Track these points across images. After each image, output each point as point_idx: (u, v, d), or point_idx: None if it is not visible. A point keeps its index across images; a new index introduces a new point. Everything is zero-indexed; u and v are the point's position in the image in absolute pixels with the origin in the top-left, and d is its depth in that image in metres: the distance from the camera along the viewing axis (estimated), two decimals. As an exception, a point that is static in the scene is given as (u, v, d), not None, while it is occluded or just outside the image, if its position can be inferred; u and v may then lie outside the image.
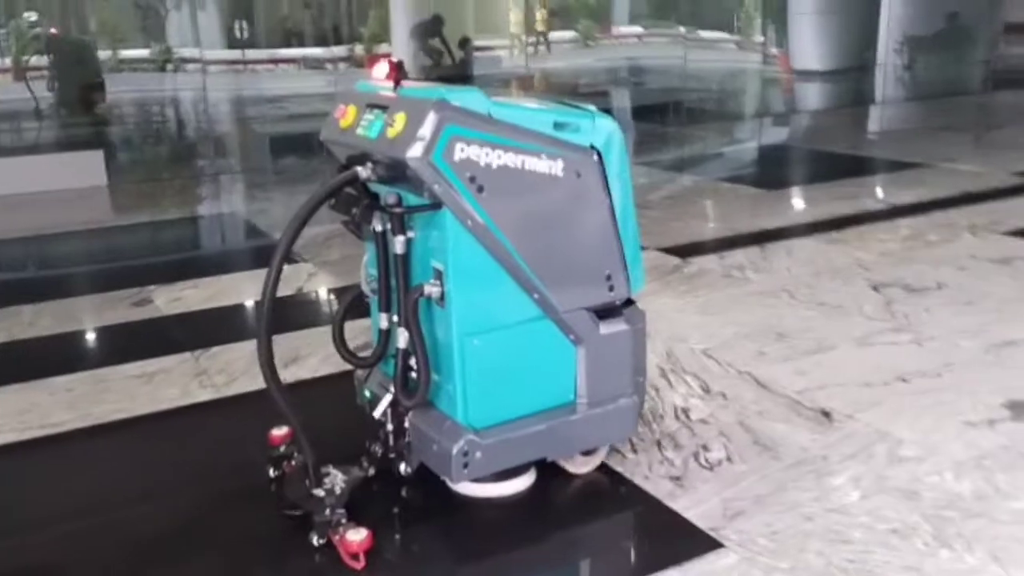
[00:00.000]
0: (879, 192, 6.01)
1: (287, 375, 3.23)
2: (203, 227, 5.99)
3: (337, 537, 2.10)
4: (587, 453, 2.46)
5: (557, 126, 2.18)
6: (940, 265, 4.27)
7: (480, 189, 2.07)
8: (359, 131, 2.19)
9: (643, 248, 2.46)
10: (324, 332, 3.60)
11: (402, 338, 2.21)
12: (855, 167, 7.11)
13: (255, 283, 4.31)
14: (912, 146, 7.88)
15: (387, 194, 2.11)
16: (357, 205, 2.18)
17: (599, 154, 2.24)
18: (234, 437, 2.78)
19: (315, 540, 2.14)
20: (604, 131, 2.25)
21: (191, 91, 10.80)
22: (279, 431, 2.43)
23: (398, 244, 2.13)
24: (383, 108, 2.14)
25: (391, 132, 2.06)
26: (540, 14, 16.65)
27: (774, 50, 17.56)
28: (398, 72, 2.20)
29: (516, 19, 15.76)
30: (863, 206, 5.64)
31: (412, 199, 2.12)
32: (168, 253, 5.30)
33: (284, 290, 4.23)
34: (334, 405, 2.75)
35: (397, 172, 2.09)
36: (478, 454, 2.18)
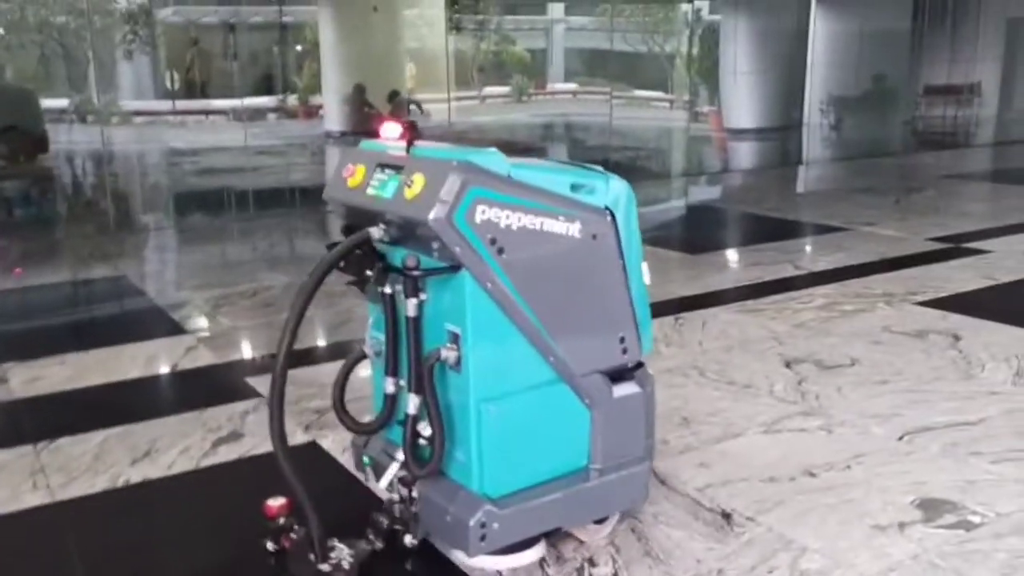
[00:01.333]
0: (799, 258, 5.90)
1: (133, 473, 2.89)
2: (83, 292, 5.56)
3: None
4: (599, 520, 2.40)
5: (574, 188, 2.17)
6: (855, 339, 4.12)
7: (500, 251, 2.04)
8: (370, 191, 2.15)
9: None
10: (190, 420, 3.30)
11: (412, 403, 2.13)
12: (778, 230, 7.03)
13: (128, 358, 3.98)
14: (834, 209, 7.86)
15: (407, 256, 2.04)
16: (367, 265, 2.13)
17: (613, 215, 2.22)
18: (46, 554, 2.42)
19: None
20: (617, 192, 2.24)
21: (96, 144, 10.38)
22: (275, 502, 2.24)
23: (410, 307, 2.07)
24: (397, 168, 2.11)
25: (409, 193, 2.02)
26: (473, 71, 16.66)
27: (706, 109, 17.85)
28: (411, 133, 2.19)
29: (447, 75, 15.72)
30: (782, 272, 5.51)
31: (428, 261, 2.06)
32: (36, 323, 4.88)
33: (154, 367, 3.99)
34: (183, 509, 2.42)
35: (410, 232, 2.05)
36: (495, 525, 2.10)
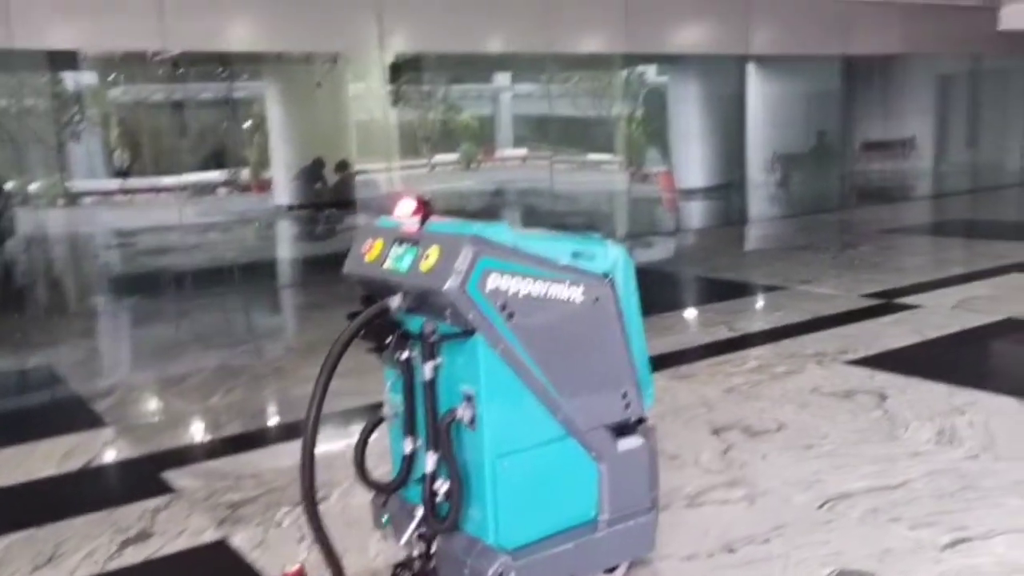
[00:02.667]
0: (736, 319, 5.93)
1: (28, 584, 2.77)
2: (2, 384, 5.37)
3: None
4: (609, 570, 2.50)
5: (575, 255, 2.34)
6: (783, 402, 4.12)
7: (510, 316, 2.20)
8: (388, 264, 2.31)
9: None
10: (99, 520, 3.17)
11: (430, 461, 2.26)
12: (716, 291, 7.10)
13: (41, 456, 3.83)
14: (773, 267, 7.97)
15: (424, 323, 2.19)
16: (386, 333, 2.26)
17: (612, 280, 2.40)
18: None
19: None
20: (615, 258, 2.42)
21: (35, 227, 10.24)
22: (292, 567, 2.40)
23: (427, 370, 2.20)
24: (413, 242, 2.27)
25: (424, 265, 2.18)
26: (419, 140, 16.76)
27: (655, 170, 18.16)
28: (425, 209, 2.34)
29: (395, 145, 15.84)
30: (718, 335, 5.54)
31: (443, 327, 2.20)
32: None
33: (68, 464, 3.85)
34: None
35: (425, 302, 2.21)
36: (512, 575, 2.20)
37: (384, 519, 2.50)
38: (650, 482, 2.51)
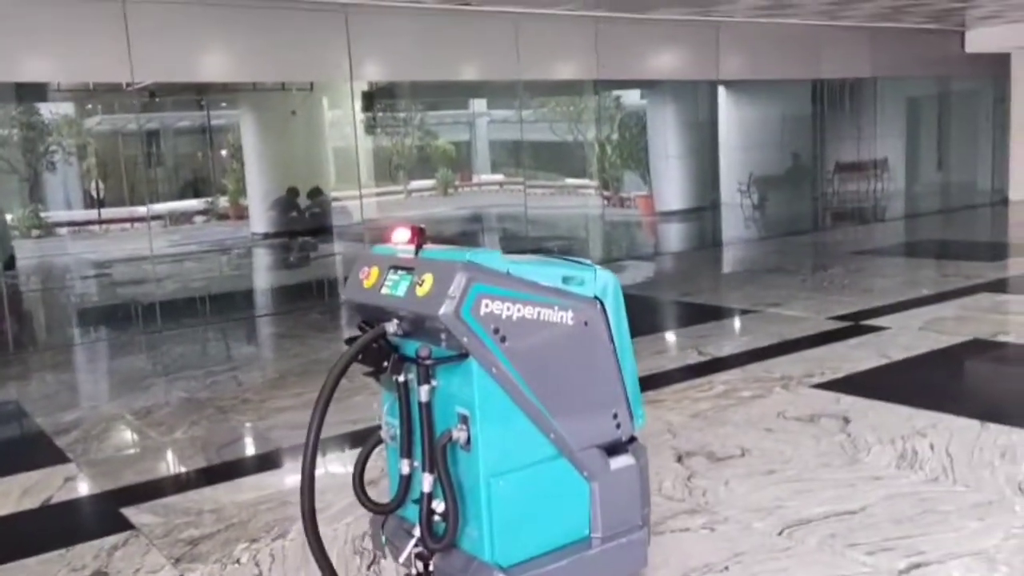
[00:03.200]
0: (705, 343, 5.96)
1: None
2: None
3: None
4: None
5: (565, 280, 2.42)
6: (748, 427, 4.13)
7: (503, 339, 2.27)
8: (384, 290, 2.38)
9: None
10: (53, 560, 3.12)
11: (426, 482, 2.32)
12: (686, 315, 7.14)
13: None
14: (743, 291, 8.03)
15: (420, 347, 2.27)
16: (383, 357, 2.34)
17: (602, 304, 2.47)
18: None
19: None
20: (604, 282, 2.50)
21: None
22: None
23: (423, 393, 2.28)
24: (408, 269, 2.35)
25: (420, 291, 2.26)
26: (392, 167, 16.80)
27: (633, 194, 18.28)
28: (420, 237, 2.42)
29: (370, 172, 15.86)
30: (686, 359, 5.56)
31: (438, 350, 2.28)
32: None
33: (26, 502, 3.79)
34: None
35: (421, 326, 2.28)
36: None
37: (383, 539, 2.57)
38: (642, 500, 2.57)
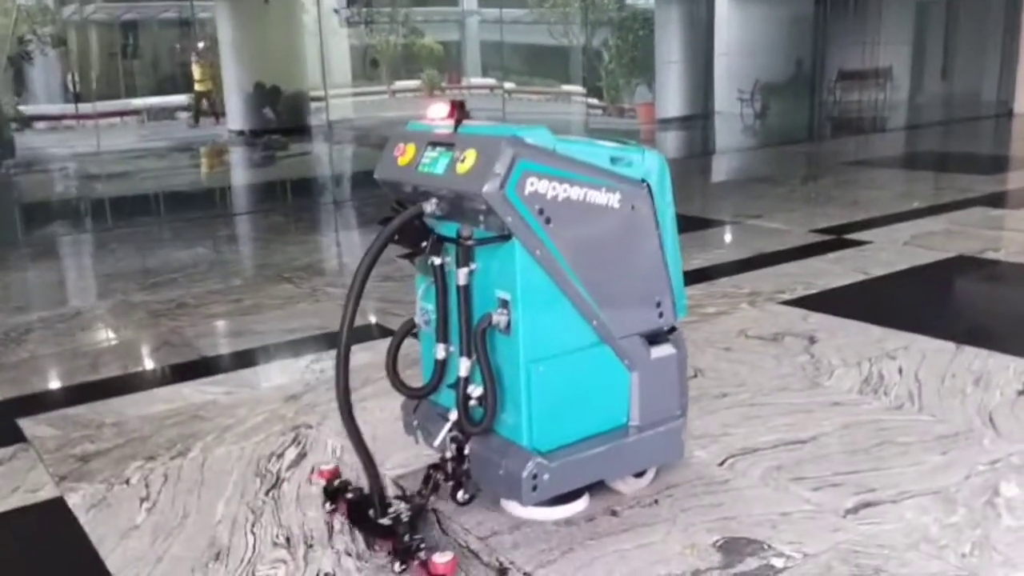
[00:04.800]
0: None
1: None
2: None
3: (417, 562, 2.14)
4: (638, 474, 2.55)
5: (613, 161, 2.30)
6: (707, 346, 3.83)
7: (548, 220, 2.17)
8: (422, 168, 2.26)
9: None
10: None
11: (463, 367, 2.27)
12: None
13: None
14: (727, 201, 7.66)
15: (461, 227, 2.19)
16: (421, 238, 2.25)
17: (649, 187, 2.36)
18: None
19: (396, 566, 2.16)
20: (653, 166, 2.38)
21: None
22: (327, 467, 2.54)
23: (461, 276, 2.20)
24: (447, 145, 2.22)
25: (461, 168, 2.14)
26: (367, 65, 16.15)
27: (637, 102, 17.70)
28: (460, 112, 2.29)
29: (351, 69, 15.26)
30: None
31: (480, 232, 2.20)
32: None
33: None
34: None
35: (460, 206, 2.19)
36: (546, 476, 2.25)
37: (415, 424, 2.53)
38: (680, 390, 2.52)
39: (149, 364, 3.96)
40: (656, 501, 2.53)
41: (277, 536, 2.41)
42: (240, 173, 11.80)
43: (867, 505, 2.47)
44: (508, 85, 15.24)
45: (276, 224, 7.47)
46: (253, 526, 2.47)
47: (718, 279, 4.95)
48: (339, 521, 2.46)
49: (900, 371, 3.45)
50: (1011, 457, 2.70)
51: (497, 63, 17.83)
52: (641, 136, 15.44)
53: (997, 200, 6.93)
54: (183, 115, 17.31)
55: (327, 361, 3.80)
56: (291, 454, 2.91)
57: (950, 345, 3.70)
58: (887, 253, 5.36)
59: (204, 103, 13.46)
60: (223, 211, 8.54)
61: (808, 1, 14.30)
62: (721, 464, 2.75)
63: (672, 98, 16.50)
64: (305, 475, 2.75)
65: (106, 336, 4.32)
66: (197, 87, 13.52)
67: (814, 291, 4.62)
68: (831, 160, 10.34)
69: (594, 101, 16.93)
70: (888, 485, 2.57)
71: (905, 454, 2.76)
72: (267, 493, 2.66)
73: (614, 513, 2.47)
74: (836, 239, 5.82)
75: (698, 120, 15.20)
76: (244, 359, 3.90)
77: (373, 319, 4.38)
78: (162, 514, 2.57)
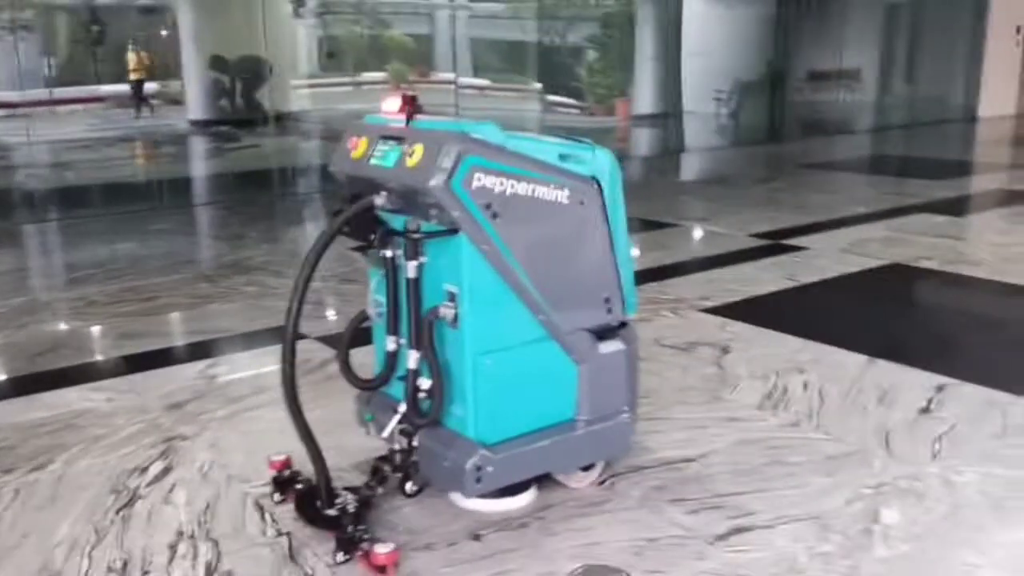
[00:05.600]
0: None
1: None
2: None
3: (360, 553, 2.16)
4: (586, 468, 2.58)
5: (562, 157, 2.32)
6: (618, 355, 3.72)
7: (495, 216, 2.19)
8: (373, 161, 2.30)
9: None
10: None
11: (412, 359, 2.30)
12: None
13: None
14: (676, 201, 7.57)
15: (408, 221, 2.22)
16: (371, 231, 2.29)
17: (599, 184, 2.38)
18: None
19: (339, 557, 2.18)
20: (603, 163, 2.40)
21: None
22: (278, 457, 2.54)
23: (411, 268, 2.24)
24: (398, 140, 2.26)
25: (410, 162, 2.17)
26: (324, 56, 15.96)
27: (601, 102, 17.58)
28: (411, 106, 2.32)
29: (315, 60, 15.04)
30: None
31: (427, 225, 2.22)
32: None
33: None
34: None
35: (411, 199, 2.21)
36: (490, 468, 2.28)
37: (367, 416, 2.54)
38: (629, 385, 2.54)
39: (40, 366, 3.80)
40: (525, 524, 2.42)
41: (114, 561, 2.28)
42: (188, 165, 11.57)
43: (740, 531, 2.37)
44: (467, 80, 15.13)
45: (216, 218, 7.31)
46: (93, 549, 2.33)
47: (646, 284, 4.83)
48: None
49: (805, 386, 3.36)
50: (898, 481, 2.61)
51: (476, 60, 17.70)
52: (617, 133, 15.39)
53: (942, 206, 6.87)
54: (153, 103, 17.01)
55: (223, 366, 3.67)
56: (156, 469, 2.78)
57: (863, 358, 3.61)
58: (822, 259, 5.29)
59: (141, 92, 13.20)
60: (163, 204, 8.36)
61: (781, 1, 14.24)
62: (602, 483, 2.64)
63: (644, 96, 16.42)
64: (164, 492, 2.62)
65: (3, 336, 4.16)
66: (132, 76, 13.27)
67: (739, 298, 4.53)
68: (790, 162, 10.29)
69: (571, 101, 16.88)
70: (767, 509, 2.48)
71: (791, 475, 2.67)
72: (118, 512, 2.52)
73: (476, 538, 2.36)
74: (774, 244, 5.74)
75: (668, 118, 15.13)
76: (137, 363, 3.76)
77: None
78: (0, 535, 2.43)
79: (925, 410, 3.12)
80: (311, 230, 6.67)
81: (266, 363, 3.67)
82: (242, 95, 13.59)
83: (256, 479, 2.66)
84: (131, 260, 5.64)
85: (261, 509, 2.50)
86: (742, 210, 7.09)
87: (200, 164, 11.74)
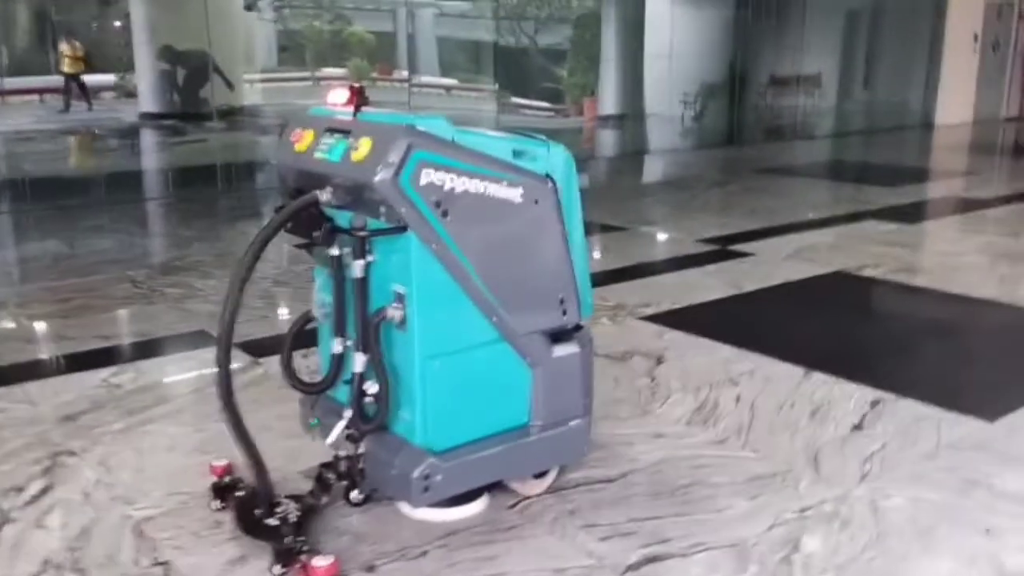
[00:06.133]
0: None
1: None
2: None
3: (299, 565, 2.06)
4: (539, 475, 2.50)
5: (516, 154, 2.24)
6: (548, 365, 3.57)
7: (445, 213, 2.11)
8: (318, 154, 2.20)
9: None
10: None
11: (358, 362, 2.21)
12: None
13: None
14: (627, 205, 7.43)
15: (354, 217, 2.12)
16: (316, 228, 2.17)
17: (554, 183, 2.30)
18: None
19: (276, 569, 2.07)
20: (558, 160, 2.32)
21: None
22: (219, 463, 2.44)
23: (357, 268, 2.14)
24: (344, 132, 2.16)
25: (356, 156, 2.08)
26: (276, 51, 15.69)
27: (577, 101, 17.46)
28: (359, 98, 2.22)
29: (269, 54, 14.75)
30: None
31: (375, 223, 2.12)
32: None
33: None
34: None
35: (357, 196, 2.11)
36: (439, 477, 2.19)
37: (313, 422, 2.44)
38: (584, 389, 2.46)
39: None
40: (425, 553, 2.26)
41: (-34, 594, 2.09)
42: (129, 159, 11.22)
43: (653, 560, 2.23)
44: (429, 79, 14.95)
45: (152, 214, 7.06)
46: (-52, 579, 2.14)
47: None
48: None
49: (737, 399, 3.24)
50: (824, 505, 2.49)
51: (441, 59, 17.48)
52: (584, 134, 15.29)
53: (892, 213, 6.82)
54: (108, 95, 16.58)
55: (128, 374, 3.46)
56: (35, 488, 2.57)
57: (799, 370, 3.50)
58: (767, 266, 5.18)
59: (74, 87, 12.83)
60: (97, 199, 8.06)
61: (745, 5, 14.23)
62: (513, 507, 2.48)
63: (608, 97, 16.36)
64: (38, 515, 2.42)
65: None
66: (66, 69, 12.88)
67: (680, 306, 4.41)
68: (747, 166, 10.21)
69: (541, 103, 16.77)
70: (684, 535, 2.34)
71: (712, 498, 2.53)
72: (-12, 534, 2.33)
73: (371, 569, 2.19)
74: (720, 250, 5.63)
75: (631, 120, 15.08)
76: (38, 370, 3.53)
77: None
78: None
79: (858, 427, 3.01)
80: (249, 228, 6.45)
81: (176, 371, 3.48)
82: (185, 89, 13.24)
83: (141, 501, 2.48)
84: (53, 258, 5.39)
85: (140, 535, 2.31)
86: (694, 214, 6.99)
87: (146, 158, 11.41)
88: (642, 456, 2.78)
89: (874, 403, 3.19)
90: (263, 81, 15.00)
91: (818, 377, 3.44)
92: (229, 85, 12.78)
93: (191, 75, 12.90)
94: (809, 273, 5.03)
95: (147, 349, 3.78)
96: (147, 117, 13.64)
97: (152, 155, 11.53)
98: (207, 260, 5.31)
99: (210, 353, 3.63)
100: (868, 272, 5.07)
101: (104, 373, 3.47)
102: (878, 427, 3.00)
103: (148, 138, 12.78)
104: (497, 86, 14.17)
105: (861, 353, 3.78)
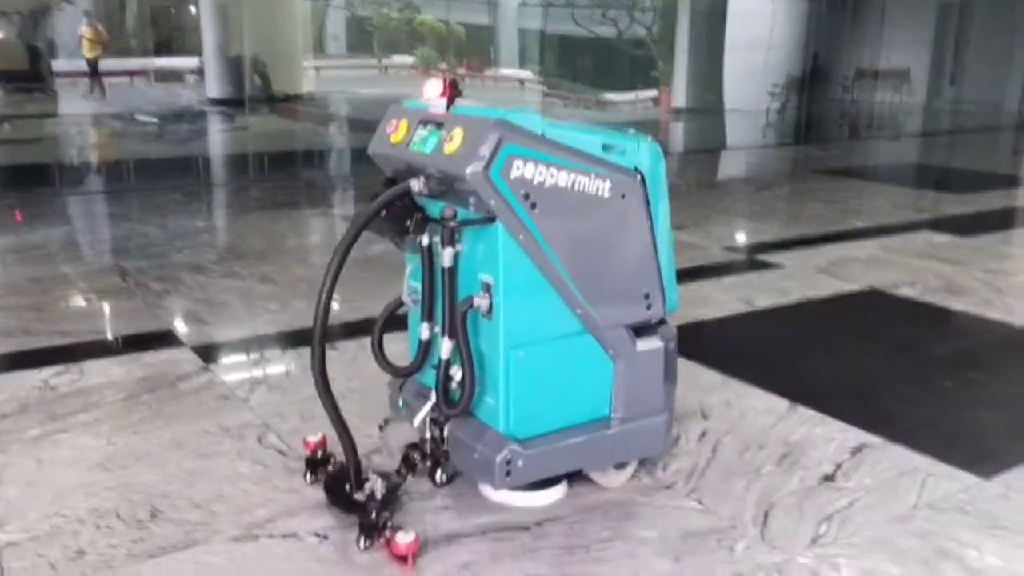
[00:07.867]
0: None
1: None
2: None
3: (383, 540, 2.15)
4: (619, 467, 2.52)
5: (605, 148, 2.25)
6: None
7: (533, 206, 2.14)
8: (412, 146, 2.26)
9: None
10: None
11: (445, 348, 2.27)
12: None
13: None
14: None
15: (444, 207, 2.17)
16: (407, 216, 2.24)
17: (643, 177, 2.30)
18: None
19: (361, 543, 2.17)
20: (648, 155, 2.32)
21: None
22: (313, 437, 2.53)
23: (446, 257, 2.19)
24: (437, 124, 2.22)
25: (448, 148, 2.13)
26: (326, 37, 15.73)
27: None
28: (452, 91, 2.27)
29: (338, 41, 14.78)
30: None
31: (464, 213, 2.18)
32: None
33: None
34: None
35: (449, 186, 2.16)
36: (520, 463, 2.25)
37: (400, 403, 2.53)
38: (666, 384, 2.48)
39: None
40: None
41: None
42: (165, 147, 11.23)
43: (535, 631, 1.95)
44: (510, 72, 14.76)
45: (167, 202, 6.99)
46: None
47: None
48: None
49: (702, 435, 2.91)
50: (756, 573, 2.16)
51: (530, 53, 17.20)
52: (660, 124, 14.87)
53: (950, 224, 6.27)
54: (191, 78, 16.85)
55: (70, 375, 3.33)
56: (-75, 500, 2.45)
57: (783, 404, 3.14)
58: (792, 280, 4.78)
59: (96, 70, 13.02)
60: (123, 187, 8.11)
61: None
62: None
63: (681, 89, 15.91)
64: (-95, 530, 2.29)
65: None
66: (87, 54, 13.07)
67: (681, 323, 4.04)
68: (808, 166, 9.67)
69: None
70: (585, 600, 2.05)
71: (631, 556, 2.23)
72: None
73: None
74: (746, 259, 5.24)
75: (709, 114, 14.60)
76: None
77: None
78: None
79: (829, 477, 2.64)
80: (259, 222, 6.33)
81: (119, 375, 3.34)
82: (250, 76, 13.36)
83: (13, 523, 2.32)
84: (57, 246, 5.37)
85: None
86: (730, 218, 6.58)
87: (180, 146, 11.34)
88: (571, 500, 2.49)
89: (856, 449, 2.82)
90: (325, 68, 15.03)
91: (803, 413, 3.07)
92: (265, 80, 12.84)
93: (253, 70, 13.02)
94: (835, 290, 4.61)
95: (102, 348, 3.66)
96: (214, 103, 13.83)
97: (188, 143, 11.45)
98: (207, 259, 5.20)
99: (164, 355, 3.52)
100: (903, 291, 4.61)
101: (47, 373, 3.35)
102: (852, 479, 2.63)
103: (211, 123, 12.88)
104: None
105: (863, 386, 3.39)
